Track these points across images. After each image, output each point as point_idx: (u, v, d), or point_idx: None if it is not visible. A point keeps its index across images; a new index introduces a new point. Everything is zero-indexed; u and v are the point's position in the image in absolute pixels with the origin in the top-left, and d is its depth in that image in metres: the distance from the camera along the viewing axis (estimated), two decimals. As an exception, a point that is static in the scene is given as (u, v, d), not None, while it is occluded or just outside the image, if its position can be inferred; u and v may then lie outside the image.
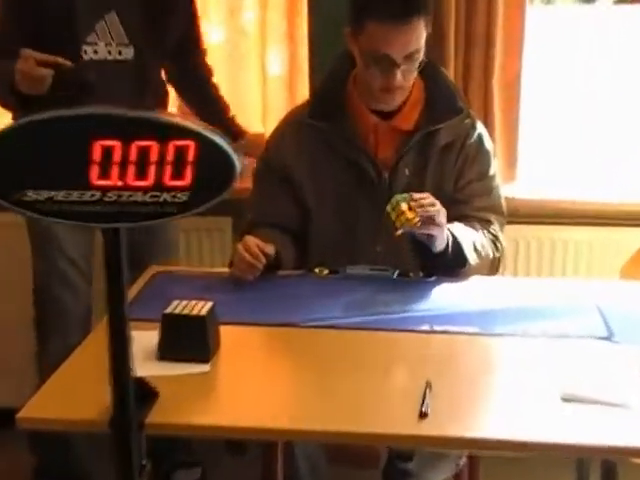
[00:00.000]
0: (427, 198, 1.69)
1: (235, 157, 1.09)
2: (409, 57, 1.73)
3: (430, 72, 1.85)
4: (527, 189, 2.43)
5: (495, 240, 1.86)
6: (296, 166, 1.87)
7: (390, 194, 1.76)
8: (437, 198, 1.77)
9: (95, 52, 2.00)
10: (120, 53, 2.04)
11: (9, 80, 1.86)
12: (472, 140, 1.86)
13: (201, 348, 1.40)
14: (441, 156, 1.85)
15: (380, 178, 1.84)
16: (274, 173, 1.90)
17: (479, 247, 1.79)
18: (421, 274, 1.79)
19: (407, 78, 1.76)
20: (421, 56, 1.75)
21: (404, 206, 1.65)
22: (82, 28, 1.98)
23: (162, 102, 2.18)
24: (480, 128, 1.90)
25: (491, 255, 1.83)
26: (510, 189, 2.40)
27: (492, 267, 1.87)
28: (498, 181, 1.92)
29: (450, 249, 1.74)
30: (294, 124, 1.90)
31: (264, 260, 1.74)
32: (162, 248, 2.17)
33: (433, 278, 1.78)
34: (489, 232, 1.85)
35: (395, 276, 1.79)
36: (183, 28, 2.13)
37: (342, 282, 1.77)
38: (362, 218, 1.85)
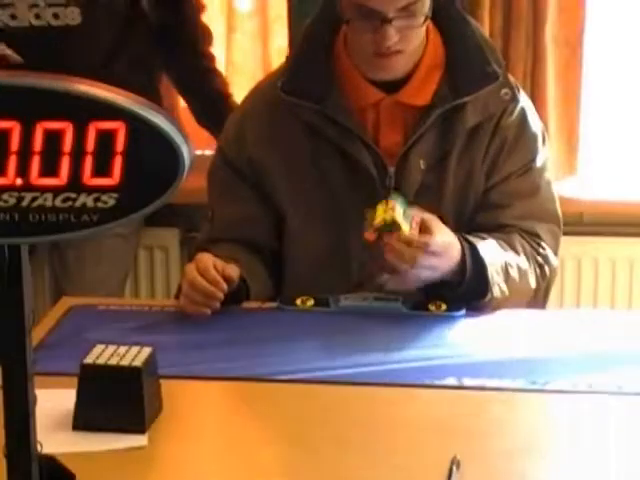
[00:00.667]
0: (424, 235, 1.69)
1: (182, 144, 1.10)
2: (404, 9, 1.75)
3: (452, 25, 1.87)
4: (593, 187, 2.46)
5: (542, 263, 1.86)
6: (266, 160, 1.89)
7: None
8: (461, 201, 1.81)
9: (12, 17, 2.03)
10: (56, 17, 2.08)
11: None
12: (512, 118, 1.87)
13: (135, 413, 1.40)
14: (469, 141, 1.86)
15: (383, 174, 1.85)
16: (236, 171, 1.92)
17: (514, 273, 1.80)
18: (444, 306, 1.80)
19: (406, 39, 1.78)
20: (425, 8, 1.77)
21: (399, 209, 1.67)
22: None
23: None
24: (523, 101, 1.90)
25: (533, 284, 1.84)
26: (569, 187, 2.42)
27: (535, 300, 1.87)
28: (549, 176, 1.93)
29: (468, 276, 1.74)
30: (262, 102, 1.91)
31: (225, 287, 1.75)
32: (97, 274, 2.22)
33: (461, 312, 1.79)
34: (534, 251, 1.86)
35: (407, 309, 1.80)
36: None
37: (333, 318, 1.78)
38: (358, 229, 1.83)
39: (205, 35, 2.44)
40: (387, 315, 1.78)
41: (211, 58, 2.45)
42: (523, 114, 1.89)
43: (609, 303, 2.45)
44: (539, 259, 1.86)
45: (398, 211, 1.70)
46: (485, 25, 2.28)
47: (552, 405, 1.51)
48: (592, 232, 2.43)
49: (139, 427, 1.39)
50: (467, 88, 1.83)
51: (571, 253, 2.34)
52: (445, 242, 1.72)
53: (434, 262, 1.70)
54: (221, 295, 1.74)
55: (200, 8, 2.44)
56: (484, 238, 1.81)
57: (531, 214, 1.88)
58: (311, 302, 1.81)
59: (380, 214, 1.70)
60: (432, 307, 1.80)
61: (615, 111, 2.43)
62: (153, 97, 2.25)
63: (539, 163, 1.90)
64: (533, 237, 1.87)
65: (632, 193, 2.44)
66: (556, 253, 1.91)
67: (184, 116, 2.48)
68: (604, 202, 2.46)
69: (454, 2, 1.88)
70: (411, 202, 1.81)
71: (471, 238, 1.78)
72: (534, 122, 1.91)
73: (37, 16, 2.06)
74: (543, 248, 1.87)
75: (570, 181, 2.42)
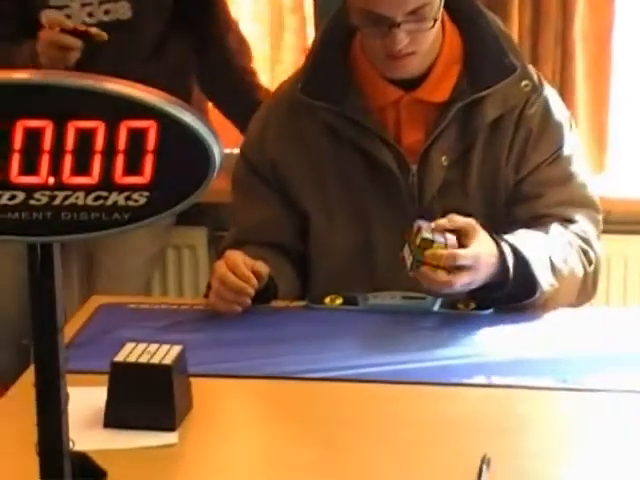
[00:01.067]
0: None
1: (213, 143, 1.10)
2: (413, 13, 1.75)
3: (469, 19, 1.86)
4: (623, 185, 2.45)
5: (586, 248, 1.84)
6: (288, 162, 1.89)
7: (422, 195, 1.78)
8: (489, 196, 1.81)
9: (67, 17, 2.09)
10: (107, 13, 2.15)
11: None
12: (534, 108, 1.86)
13: (165, 411, 1.41)
14: (490, 136, 1.85)
15: (406, 172, 1.85)
16: (259, 174, 1.92)
17: (560, 265, 1.78)
18: (473, 305, 1.80)
19: (418, 41, 1.78)
20: (435, 10, 1.77)
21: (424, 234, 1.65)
22: None
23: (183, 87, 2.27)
24: (547, 91, 1.90)
25: (581, 271, 1.82)
26: (599, 184, 2.40)
27: (584, 288, 1.85)
28: (582, 163, 1.92)
29: (512, 275, 1.72)
30: (283, 105, 1.92)
31: (255, 282, 1.75)
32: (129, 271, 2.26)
33: (489, 310, 1.79)
34: (575, 237, 1.84)
35: (437, 308, 1.80)
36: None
37: (361, 316, 1.78)
38: (382, 228, 1.86)
39: (244, 50, 2.43)
40: (415, 314, 1.77)
41: (252, 73, 2.43)
42: (546, 104, 1.88)
43: (637, 300, 2.44)
44: (582, 245, 1.84)
45: (425, 235, 1.67)
46: (514, 22, 2.28)
47: (584, 403, 1.50)
48: (621, 230, 2.41)
49: (169, 425, 1.40)
50: (485, 82, 1.82)
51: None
52: (476, 253, 1.68)
53: (465, 279, 1.67)
54: (251, 291, 1.74)
55: (231, 24, 2.43)
56: (524, 235, 1.79)
57: (566, 201, 1.86)
58: (340, 301, 1.81)
59: (413, 248, 1.67)
60: (461, 305, 1.79)
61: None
62: (184, 97, 2.27)
63: (567, 151, 1.88)
64: (572, 223, 1.85)
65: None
66: (598, 238, 1.89)
67: (212, 114, 2.48)
68: (633, 200, 2.44)
69: None
70: (435, 200, 1.81)
71: (510, 238, 1.76)
72: (558, 110, 1.90)
73: (90, 14, 2.13)
74: (584, 232, 1.85)
75: (600, 179, 2.40)
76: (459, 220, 1.70)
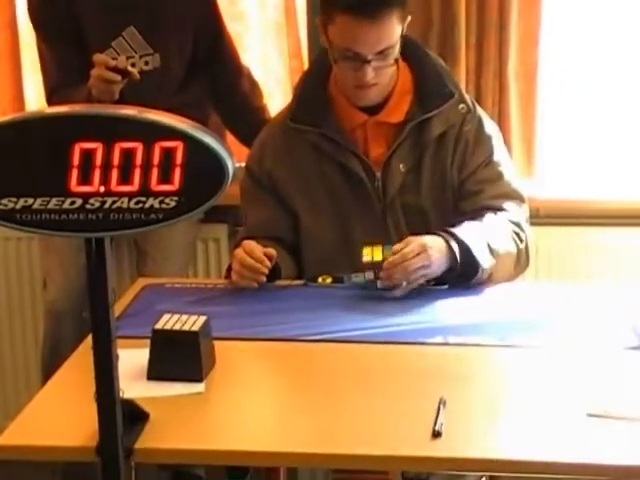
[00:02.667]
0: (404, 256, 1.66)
1: (227, 158, 1.10)
2: (381, 53, 1.75)
3: (417, 57, 1.87)
4: (548, 187, 2.42)
5: (517, 230, 1.83)
6: (283, 176, 1.89)
7: (385, 194, 1.78)
8: (439, 194, 1.79)
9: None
10: (147, 63, 2.19)
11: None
12: (469, 126, 1.87)
13: (194, 366, 1.40)
14: (437, 147, 1.85)
15: (372, 178, 1.85)
16: (260, 186, 1.92)
17: (496, 246, 1.76)
18: (432, 282, 1.78)
19: (381, 74, 1.78)
20: (396, 52, 1.77)
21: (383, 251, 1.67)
22: (95, 48, 2.11)
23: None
24: (478, 111, 1.90)
25: (514, 249, 1.81)
26: (529, 187, 2.38)
27: (519, 262, 1.84)
28: (509, 165, 1.92)
29: (459, 261, 1.71)
30: (276, 131, 1.92)
31: (269, 264, 1.74)
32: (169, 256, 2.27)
33: (446, 286, 1.78)
34: (508, 222, 1.83)
35: (404, 284, 1.77)
36: (209, 37, 2.26)
37: (346, 292, 1.77)
38: (358, 223, 1.86)
39: (256, 92, 2.38)
40: (387, 289, 1.74)
41: (262, 109, 2.38)
42: (479, 121, 1.89)
43: (562, 279, 2.42)
44: (514, 227, 1.83)
45: (375, 253, 1.70)
46: (462, 64, 2.27)
47: (517, 356, 1.50)
48: (546, 223, 2.38)
49: (197, 377, 1.39)
50: (431, 106, 1.83)
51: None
52: (422, 241, 1.68)
53: (422, 260, 1.67)
54: (266, 270, 1.74)
55: (243, 70, 2.38)
56: (465, 227, 1.77)
57: (499, 195, 1.86)
58: (329, 279, 1.81)
59: (368, 253, 1.70)
60: (423, 282, 1.76)
61: (566, 127, 2.42)
62: (204, 123, 2.26)
63: (497, 156, 1.89)
64: (505, 212, 1.85)
65: (578, 192, 2.42)
66: (526, 221, 1.89)
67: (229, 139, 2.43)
68: (556, 200, 2.42)
69: (416, 43, 1.90)
70: (395, 198, 1.81)
71: (454, 230, 1.75)
72: (489, 126, 1.91)
73: (133, 65, 2.13)
74: (515, 218, 1.85)
75: (529, 183, 2.36)
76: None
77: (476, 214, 1.81)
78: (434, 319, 1.63)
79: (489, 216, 1.82)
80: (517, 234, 1.83)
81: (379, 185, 1.85)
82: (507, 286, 1.81)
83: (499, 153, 1.90)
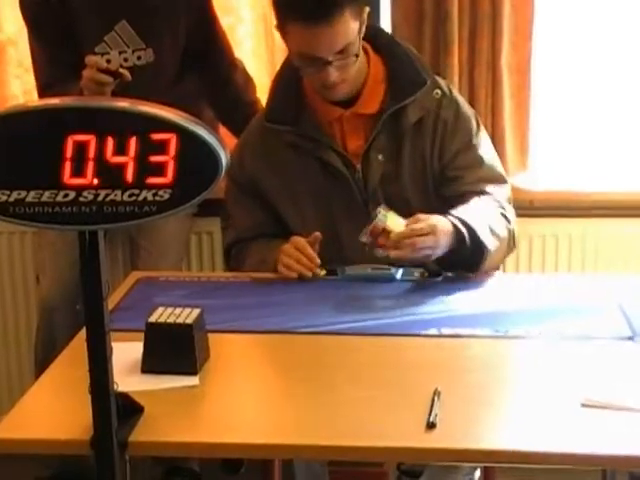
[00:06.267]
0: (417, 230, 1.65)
1: (220, 151, 1.09)
2: (341, 52, 1.73)
3: (387, 47, 1.86)
4: (541, 179, 2.42)
5: (503, 212, 1.84)
6: (264, 177, 1.89)
7: (367, 186, 1.77)
8: (420, 181, 1.79)
9: (108, 62, 2.09)
10: (139, 58, 2.18)
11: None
12: (447, 109, 1.85)
13: (188, 359, 1.40)
14: (415, 135, 1.84)
15: (352, 170, 1.84)
16: (244, 189, 1.92)
17: (496, 229, 1.77)
18: (427, 274, 1.78)
19: (345, 71, 1.76)
20: (356, 47, 1.75)
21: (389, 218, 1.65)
22: (87, 43, 2.12)
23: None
24: (455, 95, 1.89)
25: (505, 231, 1.82)
26: (522, 179, 2.38)
27: (508, 246, 1.84)
28: (488, 147, 1.91)
29: (469, 242, 1.70)
30: (254, 134, 1.92)
31: (319, 262, 1.75)
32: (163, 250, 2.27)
33: (440, 278, 1.78)
34: (495, 204, 1.83)
35: (399, 276, 1.79)
36: (201, 31, 2.24)
37: (340, 284, 1.77)
38: (343, 217, 1.86)
39: (249, 85, 2.37)
40: (382, 281, 1.77)
41: (256, 102, 2.36)
42: (456, 104, 1.87)
43: (554, 269, 2.44)
44: (500, 210, 1.84)
45: (389, 219, 1.68)
46: (455, 58, 2.27)
47: (512, 347, 1.50)
48: (540, 214, 2.39)
49: (192, 370, 1.39)
50: (405, 94, 1.81)
51: (524, 232, 2.28)
52: (432, 222, 1.67)
53: (430, 241, 1.66)
54: (317, 269, 1.76)
55: (237, 64, 2.37)
56: (464, 209, 1.77)
57: (480, 179, 1.85)
58: (324, 272, 1.81)
59: (384, 216, 1.69)
60: (417, 274, 1.78)
61: (559, 119, 2.41)
62: (197, 116, 2.24)
63: (476, 140, 1.87)
64: (489, 195, 1.85)
65: (570, 184, 2.41)
66: (509, 202, 1.89)
67: (223, 132, 2.40)
68: (549, 192, 2.41)
69: (386, 32, 1.90)
70: (377, 189, 1.79)
71: (457, 213, 1.75)
72: (467, 109, 1.89)
73: (125, 59, 2.14)
74: (499, 200, 1.85)
75: (523, 176, 2.39)
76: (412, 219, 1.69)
77: (460, 200, 1.80)
78: (428, 311, 1.63)
79: (475, 200, 1.81)
80: (504, 216, 1.83)
81: (360, 177, 1.84)
82: (500, 277, 1.82)
83: (478, 137, 1.88)
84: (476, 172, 1.85)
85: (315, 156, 1.84)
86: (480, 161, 1.86)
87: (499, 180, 1.88)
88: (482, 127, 1.91)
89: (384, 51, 1.85)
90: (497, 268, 1.87)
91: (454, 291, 1.72)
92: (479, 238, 1.71)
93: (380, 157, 1.83)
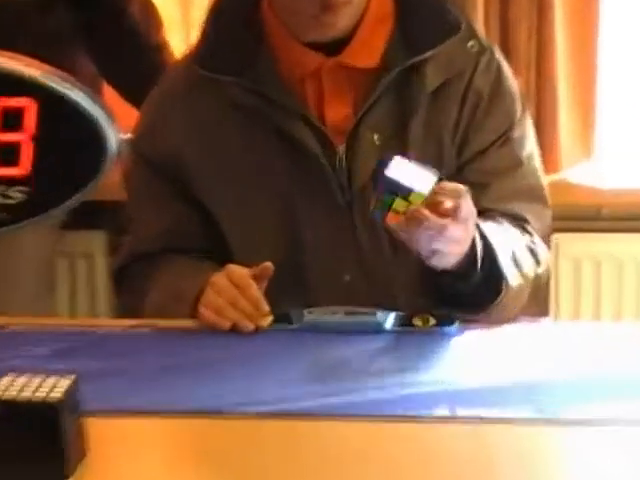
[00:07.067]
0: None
1: (107, 126, 1.09)
2: None
3: None
4: (615, 173, 2.48)
5: (536, 251, 1.87)
6: (190, 155, 1.90)
7: (352, 180, 1.79)
8: None
9: None
10: None
11: None
12: (484, 75, 1.87)
13: (54, 458, 1.38)
14: (432, 107, 1.86)
15: (332, 155, 1.85)
16: (156, 175, 1.93)
17: (521, 260, 1.79)
18: (433, 320, 1.79)
19: None
20: None
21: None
22: None
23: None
24: (498, 55, 1.90)
25: (532, 272, 1.85)
26: (584, 174, 2.43)
27: (536, 292, 1.86)
28: (533, 147, 1.93)
29: (480, 265, 1.72)
30: (178, 87, 1.92)
31: (267, 308, 1.76)
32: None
33: (452, 326, 1.79)
34: (524, 236, 1.86)
35: (389, 325, 1.79)
36: None
37: (297, 337, 1.77)
38: (310, 224, 1.86)
39: (150, 19, 2.43)
40: (363, 333, 1.77)
41: (161, 47, 2.42)
42: (498, 69, 1.89)
43: (634, 311, 2.45)
44: (531, 245, 1.86)
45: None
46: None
47: (565, 438, 1.49)
48: (611, 229, 2.44)
49: (59, 474, 1.37)
50: (425, 42, 1.82)
51: (588, 253, 2.36)
52: (469, 209, 1.67)
53: (459, 233, 1.65)
54: (265, 322, 1.77)
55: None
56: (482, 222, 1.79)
57: (513, 193, 1.88)
58: (270, 319, 1.80)
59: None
60: (418, 322, 1.79)
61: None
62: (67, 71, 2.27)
63: (519, 132, 1.90)
64: (519, 221, 1.87)
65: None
66: (546, 240, 1.92)
67: (109, 94, 2.45)
68: (627, 192, 2.46)
69: None
70: (368, 187, 1.75)
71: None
72: (511, 81, 1.91)
73: None
74: (531, 234, 1.88)
75: (585, 167, 2.43)
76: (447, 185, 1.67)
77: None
78: (434, 380, 1.63)
79: (504, 222, 1.85)
80: (532, 251, 1.87)
81: (342, 167, 1.85)
82: (549, 327, 1.85)
83: (522, 125, 1.91)
84: (510, 181, 1.88)
85: (274, 127, 1.85)
86: (518, 164, 1.89)
87: (540, 199, 1.91)
88: (527, 113, 1.93)
89: None
90: (507, 320, 1.86)
91: (472, 349, 1.73)
92: (497, 261, 1.72)
93: (376, 137, 1.85)
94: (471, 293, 1.75)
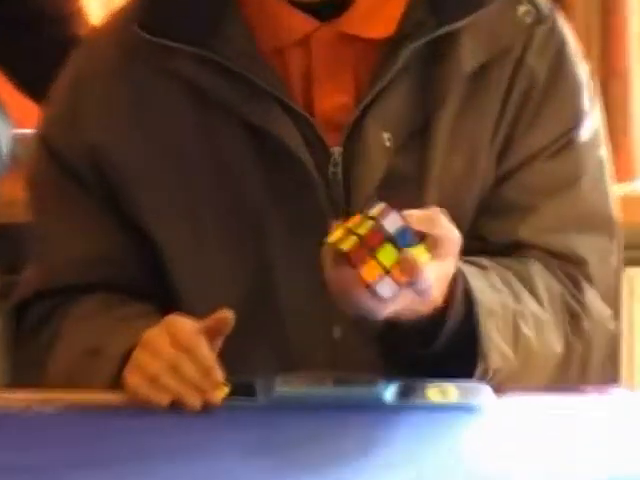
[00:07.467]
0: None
1: None
2: None
3: None
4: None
5: (578, 311, 1.69)
6: (122, 150, 1.71)
7: (351, 193, 1.63)
8: (463, 194, 1.67)
9: None
10: None
11: None
12: (541, 52, 1.68)
13: None
14: (469, 97, 1.67)
15: (323, 159, 1.66)
16: (73, 172, 1.73)
17: (528, 330, 1.62)
18: (453, 390, 1.56)
19: None
20: None
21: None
22: None
23: None
24: (561, 25, 1.71)
25: (558, 347, 1.66)
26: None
27: (565, 375, 1.67)
28: (602, 155, 1.74)
29: (452, 326, 1.54)
30: (107, 55, 1.73)
31: (220, 376, 1.54)
32: None
33: (478, 401, 1.56)
34: (565, 289, 1.69)
35: (390, 397, 1.58)
36: None
37: (264, 416, 1.56)
38: (288, 258, 1.66)
39: None
40: (356, 408, 1.55)
41: (75, 18, 2.26)
42: (563, 46, 1.70)
43: None
44: (572, 304, 1.67)
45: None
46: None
47: None
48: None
49: None
50: (459, 7, 1.64)
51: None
52: (455, 241, 1.49)
53: (414, 304, 1.48)
54: (220, 394, 1.56)
55: None
56: (484, 267, 1.62)
57: (567, 221, 1.69)
58: (225, 389, 1.57)
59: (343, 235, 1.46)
60: (432, 393, 1.57)
61: None
62: None
63: (586, 134, 1.70)
64: (567, 264, 1.68)
65: None
66: (609, 292, 1.72)
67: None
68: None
69: None
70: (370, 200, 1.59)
71: (464, 267, 1.58)
72: (579, 63, 1.73)
73: None
74: (580, 284, 1.68)
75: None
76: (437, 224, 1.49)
77: (508, 253, 1.69)
78: (453, 470, 1.39)
79: (535, 267, 1.67)
80: (575, 318, 1.68)
81: (338, 178, 1.63)
82: (611, 399, 1.63)
83: (589, 128, 1.71)
84: (563, 202, 1.69)
85: (240, 117, 1.66)
86: (576, 180, 1.70)
87: (603, 232, 1.72)
88: (597, 107, 1.75)
89: None
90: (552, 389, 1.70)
91: (502, 431, 1.51)
92: (479, 330, 1.55)
93: (387, 137, 1.64)
94: (436, 360, 1.58)
